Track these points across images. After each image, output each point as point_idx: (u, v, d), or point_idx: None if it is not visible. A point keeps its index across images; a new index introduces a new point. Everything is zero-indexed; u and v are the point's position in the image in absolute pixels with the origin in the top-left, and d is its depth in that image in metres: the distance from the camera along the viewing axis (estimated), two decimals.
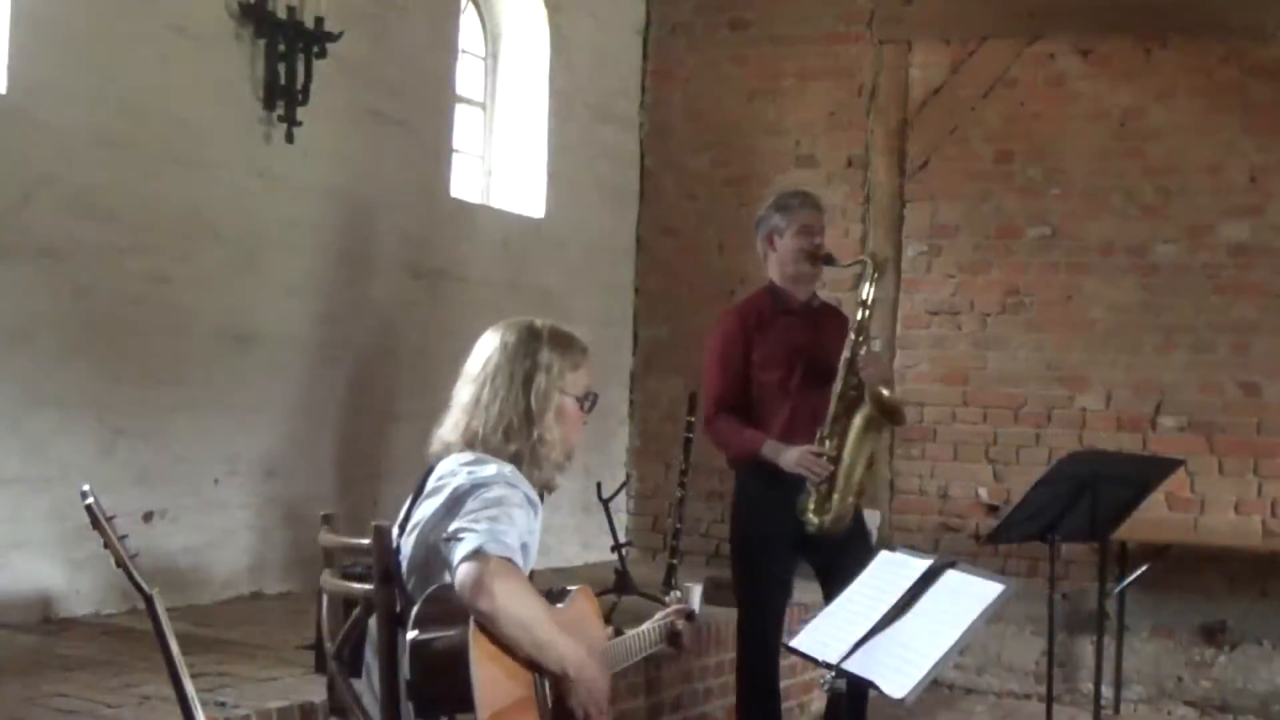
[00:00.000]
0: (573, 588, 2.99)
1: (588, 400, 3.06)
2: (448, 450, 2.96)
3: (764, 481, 4.85)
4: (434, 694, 2.63)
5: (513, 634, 2.64)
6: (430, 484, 2.91)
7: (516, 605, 2.63)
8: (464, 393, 2.99)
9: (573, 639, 2.78)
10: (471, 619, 2.61)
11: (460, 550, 2.64)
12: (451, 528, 2.70)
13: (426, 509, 2.86)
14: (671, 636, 3.20)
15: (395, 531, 2.91)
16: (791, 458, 4.77)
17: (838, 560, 4.70)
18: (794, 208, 5.00)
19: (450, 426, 2.98)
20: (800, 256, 4.96)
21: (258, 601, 5.64)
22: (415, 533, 2.86)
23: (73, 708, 3.75)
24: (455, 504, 2.77)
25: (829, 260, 4.97)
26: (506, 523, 2.70)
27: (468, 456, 2.89)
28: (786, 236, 4.98)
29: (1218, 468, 6.82)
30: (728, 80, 7.83)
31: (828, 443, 4.77)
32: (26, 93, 4.83)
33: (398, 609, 2.79)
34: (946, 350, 7.32)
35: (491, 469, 2.83)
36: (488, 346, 3.02)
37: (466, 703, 2.58)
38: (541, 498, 2.95)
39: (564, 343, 3.03)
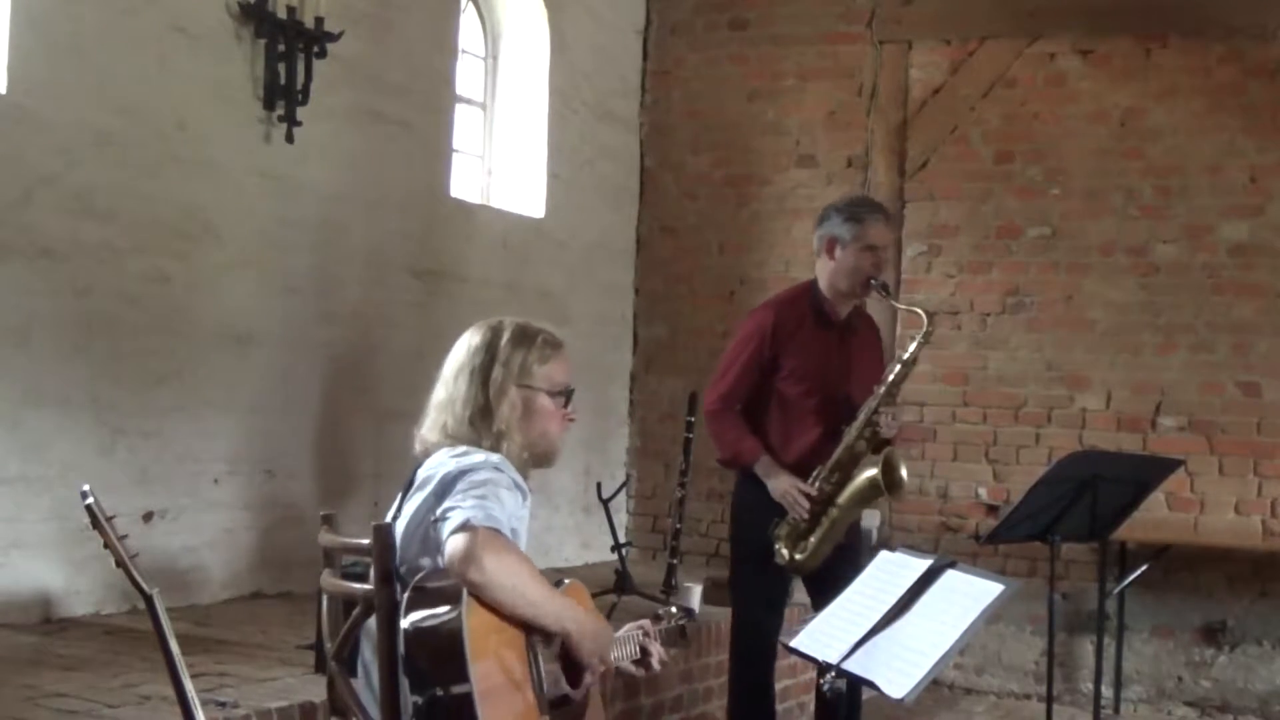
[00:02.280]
0: (565, 581, 3.02)
1: (562, 394, 3.07)
2: (429, 449, 3.01)
3: (762, 486, 4.73)
4: (426, 666, 2.65)
5: (506, 599, 2.70)
6: (419, 478, 2.95)
7: (507, 571, 2.68)
8: (439, 392, 3.06)
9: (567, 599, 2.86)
10: (465, 593, 2.65)
11: (449, 526, 2.70)
12: (440, 509, 2.76)
13: (416, 500, 2.90)
14: (638, 660, 3.11)
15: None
16: (779, 487, 4.62)
17: (829, 564, 4.68)
18: (863, 220, 4.63)
19: (429, 426, 3.05)
20: (856, 278, 4.63)
21: (258, 601, 5.63)
22: (404, 524, 2.90)
23: (73, 708, 3.74)
24: (444, 490, 2.81)
25: (884, 291, 4.66)
26: (495, 501, 2.75)
27: (458, 449, 2.94)
28: (849, 250, 4.63)
29: (1218, 468, 6.82)
30: (728, 80, 7.83)
31: (820, 485, 4.60)
32: (26, 93, 4.83)
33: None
34: (946, 350, 7.31)
35: (479, 456, 2.89)
36: (459, 347, 3.09)
37: (460, 674, 2.60)
38: None
39: (526, 338, 3.05)
